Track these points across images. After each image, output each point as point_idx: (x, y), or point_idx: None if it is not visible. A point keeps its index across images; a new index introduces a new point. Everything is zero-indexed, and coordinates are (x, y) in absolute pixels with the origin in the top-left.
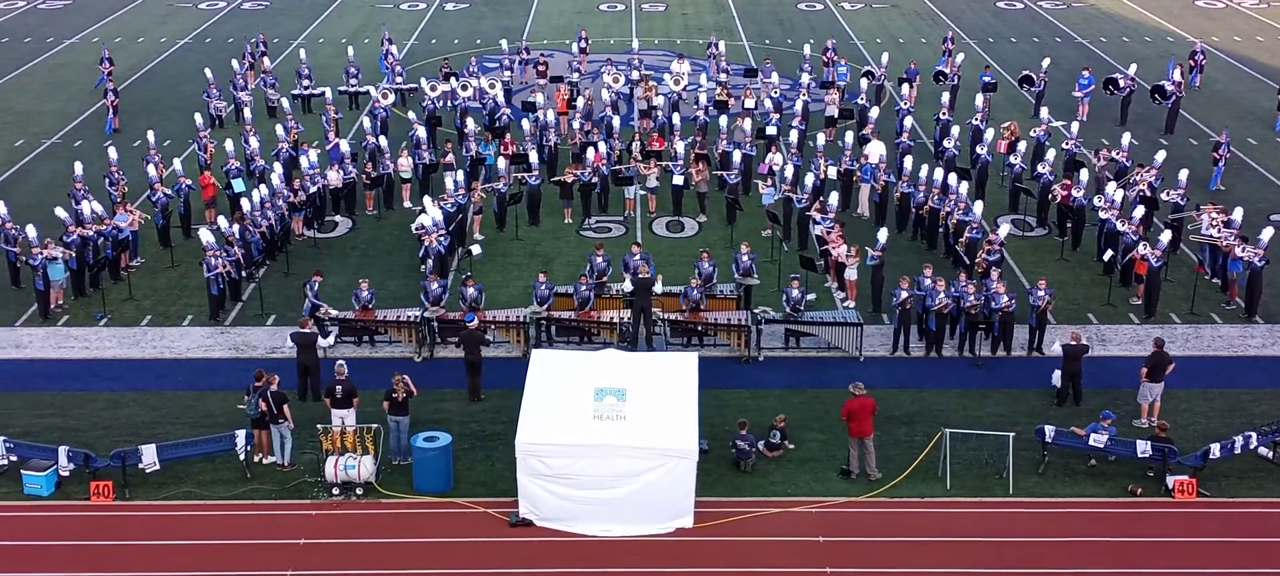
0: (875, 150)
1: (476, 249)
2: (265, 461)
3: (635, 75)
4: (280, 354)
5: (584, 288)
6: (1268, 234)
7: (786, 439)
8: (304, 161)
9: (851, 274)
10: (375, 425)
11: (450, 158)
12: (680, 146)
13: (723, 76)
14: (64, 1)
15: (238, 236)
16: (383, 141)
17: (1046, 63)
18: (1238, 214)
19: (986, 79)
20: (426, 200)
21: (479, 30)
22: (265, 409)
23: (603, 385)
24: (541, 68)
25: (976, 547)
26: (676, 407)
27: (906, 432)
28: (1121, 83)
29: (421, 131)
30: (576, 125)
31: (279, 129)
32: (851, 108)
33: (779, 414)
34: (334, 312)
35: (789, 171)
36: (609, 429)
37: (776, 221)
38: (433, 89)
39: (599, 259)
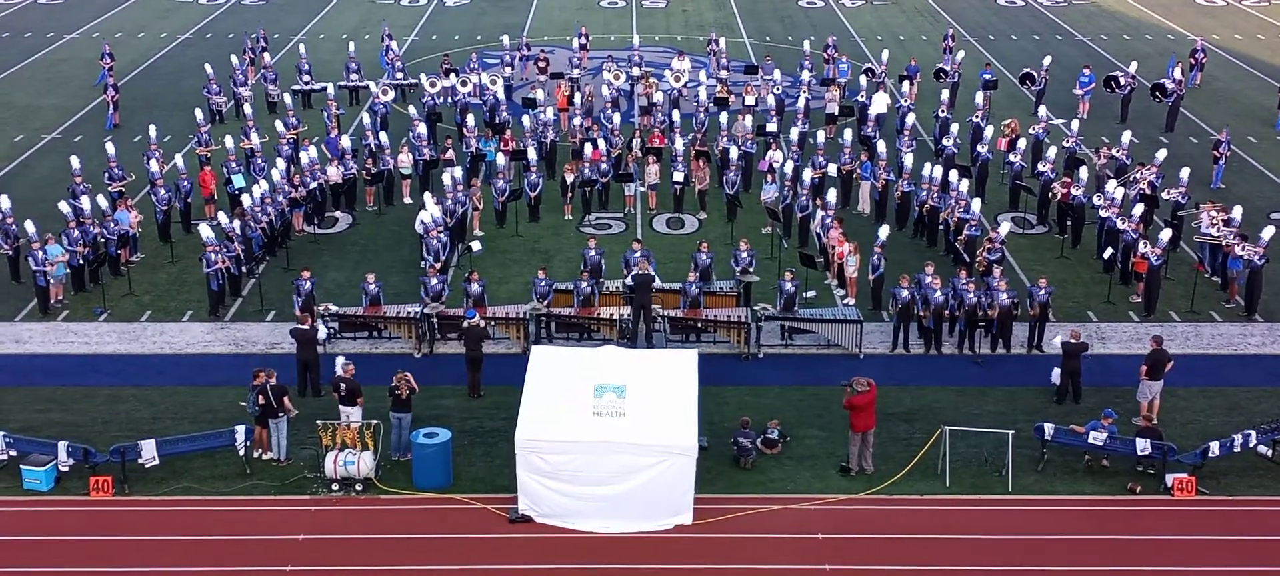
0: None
1: (477, 245)
2: (265, 457)
3: (636, 72)
4: (280, 349)
5: (585, 283)
6: (1268, 232)
7: (781, 437)
8: (304, 157)
9: (852, 271)
10: (375, 421)
11: (450, 154)
12: (680, 143)
13: (723, 73)
14: None
15: (238, 232)
16: (383, 137)
17: (1047, 60)
18: (1237, 212)
19: (987, 76)
20: (427, 197)
21: (480, 26)
22: (264, 404)
23: (602, 381)
24: (542, 64)
25: (975, 545)
26: (676, 404)
27: (906, 430)
28: (1122, 80)
29: (422, 127)
30: (577, 122)
31: (279, 125)
32: (852, 105)
33: (779, 411)
34: (334, 309)
35: (789, 168)
36: (608, 425)
37: (776, 219)
38: (433, 85)
39: (592, 253)
